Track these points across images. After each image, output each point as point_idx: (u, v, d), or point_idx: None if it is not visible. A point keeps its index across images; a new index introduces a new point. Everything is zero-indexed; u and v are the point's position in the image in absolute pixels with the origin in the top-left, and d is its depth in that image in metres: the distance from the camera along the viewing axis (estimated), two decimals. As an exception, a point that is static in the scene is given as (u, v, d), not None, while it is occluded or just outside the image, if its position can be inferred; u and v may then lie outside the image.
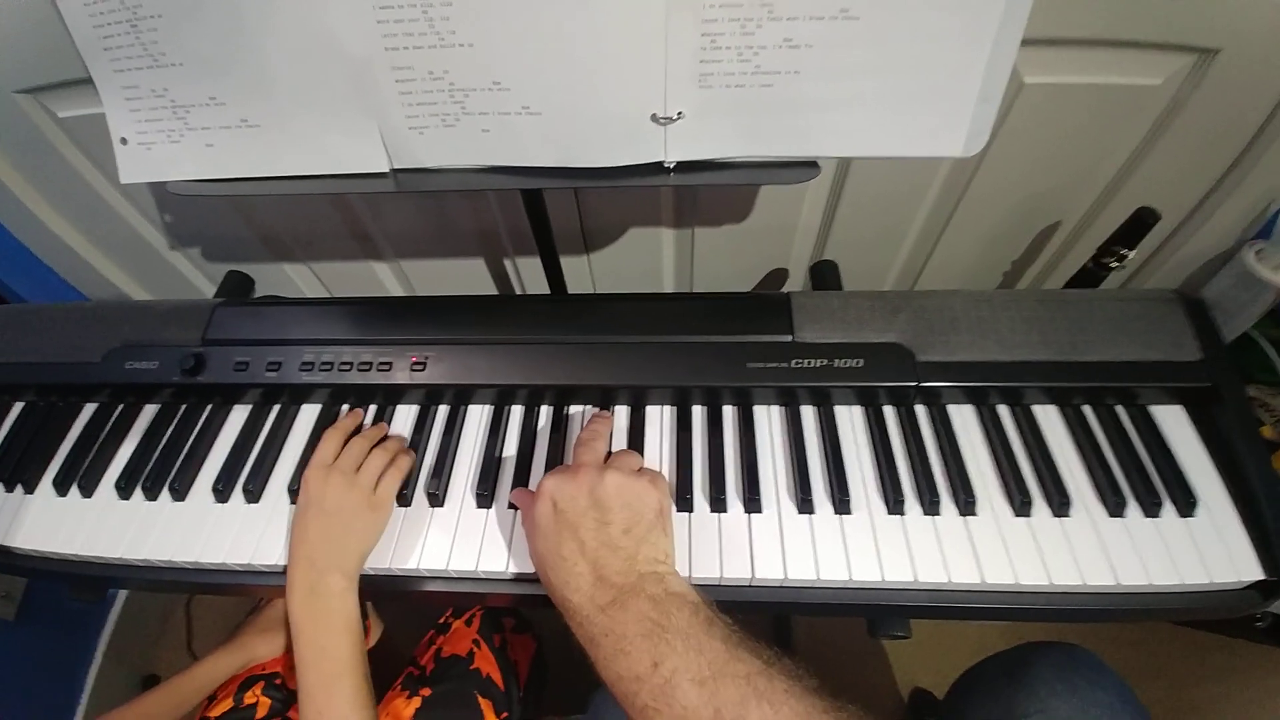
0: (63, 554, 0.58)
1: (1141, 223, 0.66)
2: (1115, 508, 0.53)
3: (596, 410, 0.62)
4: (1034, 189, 0.76)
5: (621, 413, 0.62)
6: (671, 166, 0.50)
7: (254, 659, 0.70)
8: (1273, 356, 0.81)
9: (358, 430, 0.62)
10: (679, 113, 0.47)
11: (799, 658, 0.42)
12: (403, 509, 0.57)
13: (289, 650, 0.72)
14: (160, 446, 0.63)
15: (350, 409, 0.64)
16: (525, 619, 0.78)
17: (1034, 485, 0.54)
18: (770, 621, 1.15)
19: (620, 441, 0.60)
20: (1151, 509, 0.52)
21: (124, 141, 0.54)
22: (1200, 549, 0.51)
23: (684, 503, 0.55)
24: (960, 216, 0.79)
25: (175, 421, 0.65)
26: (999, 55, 0.44)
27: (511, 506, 0.57)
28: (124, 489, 0.60)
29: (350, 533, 0.53)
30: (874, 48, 0.44)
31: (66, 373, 0.66)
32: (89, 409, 0.68)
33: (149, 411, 0.67)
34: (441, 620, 0.76)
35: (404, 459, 0.58)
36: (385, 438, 0.61)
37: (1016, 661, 0.62)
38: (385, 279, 0.98)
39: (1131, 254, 0.69)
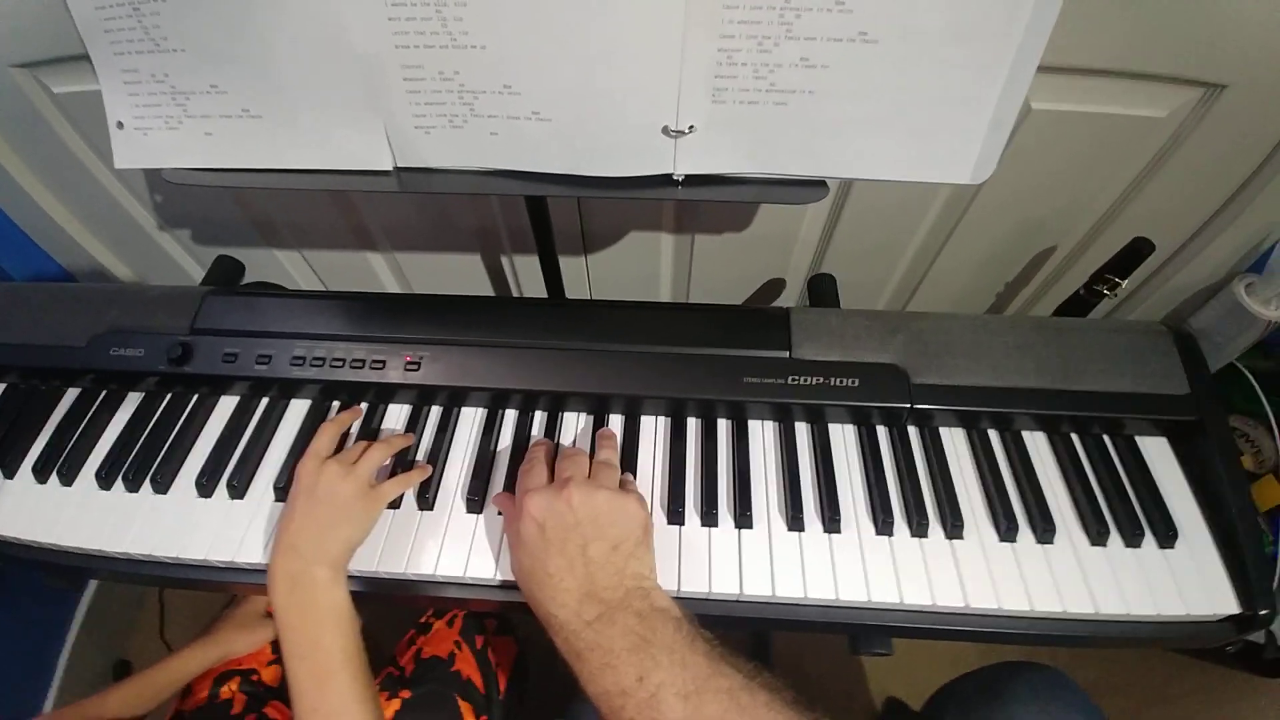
0: (40, 542, 0.57)
1: (1136, 252, 0.67)
2: (1098, 537, 0.53)
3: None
4: (1033, 213, 0.76)
5: (616, 422, 0.62)
6: (680, 180, 0.50)
7: (230, 653, 0.69)
8: (1257, 388, 0.83)
9: (367, 432, 0.61)
10: (690, 126, 0.47)
11: (777, 671, 0.42)
12: (391, 510, 0.56)
13: (267, 645, 0.71)
14: (143, 436, 0.62)
15: (347, 405, 0.64)
16: (508, 621, 0.77)
17: (1020, 512, 0.55)
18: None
19: (613, 450, 0.60)
20: (1133, 539, 0.53)
21: (120, 126, 0.53)
22: (1178, 581, 0.52)
23: (675, 515, 0.55)
24: (959, 236, 0.80)
25: (160, 411, 0.64)
26: (1013, 84, 0.44)
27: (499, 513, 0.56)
28: (105, 479, 0.59)
29: (339, 522, 0.51)
30: (890, 71, 0.44)
31: (50, 356, 0.64)
32: (72, 394, 0.66)
33: (133, 400, 0.65)
34: (422, 620, 0.75)
35: (415, 473, 0.57)
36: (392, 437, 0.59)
37: (992, 681, 0.63)
38: (379, 270, 0.97)
39: (1124, 283, 0.69)
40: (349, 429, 0.61)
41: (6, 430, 0.63)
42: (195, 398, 0.65)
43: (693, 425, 0.61)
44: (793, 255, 0.86)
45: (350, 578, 0.54)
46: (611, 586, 0.45)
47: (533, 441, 0.59)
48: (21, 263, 0.94)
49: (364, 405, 0.63)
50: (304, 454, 0.55)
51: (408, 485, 0.56)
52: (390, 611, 0.98)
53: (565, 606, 0.44)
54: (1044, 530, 0.53)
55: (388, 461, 0.58)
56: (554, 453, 0.57)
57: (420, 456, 0.60)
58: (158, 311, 0.65)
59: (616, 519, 0.48)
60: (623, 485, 0.52)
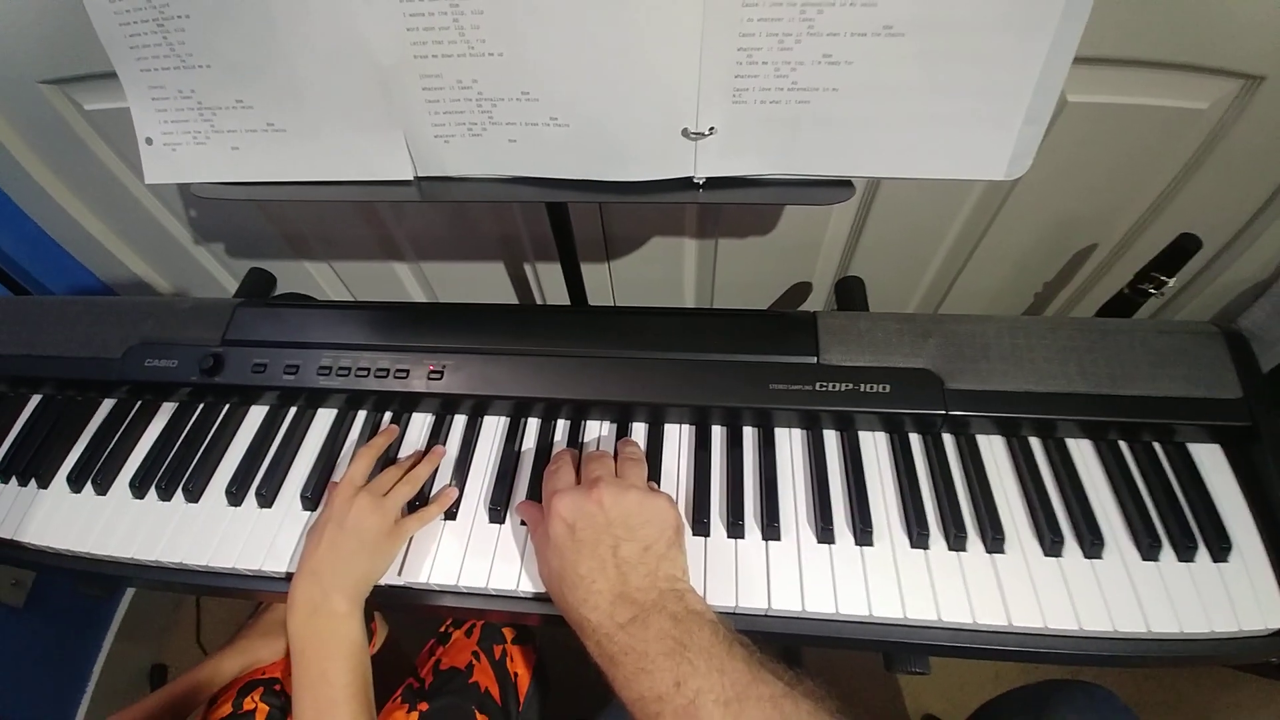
0: (74, 551, 0.58)
1: (1182, 249, 0.64)
2: (1149, 551, 0.50)
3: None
4: (1071, 210, 0.74)
5: (640, 430, 0.61)
6: (701, 183, 0.49)
7: (256, 661, 0.69)
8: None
9: (393, 453, 0.61)
10: (711, 128, 0.46)
11: (819, 679, 0.41)
12: (415, 520, 0.56)
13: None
14: (176, 447, 0.63)
15: (371, 415, 0.64)
16: (528, 630, 0.77)
17: (1065, 524, 0.52)
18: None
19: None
20: (1186, 553, 0.50)
21: (149, 141, 0.54)
22: (1231, 595, 0.49)
23: (700, 526, 0.54)
24: (993, 235, 0.77)
25: (192, 422, 0.65)
26: (1049, 76, 0.42)
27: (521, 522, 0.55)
28: (138, 488, 0.60)
29: (363, 555, 0.51)
30: (918, 66, 0.42)
31: (86, 368, 0.66)
32: (106, 405, 0.68)
33: (166, 410, 0.66)
34: (442, 629, 0.75)
35: (434, 508, 0.56)
36: (416, 463, 0.59)
37: (1036, 700, 0.60)
38: (406, 280, 0.98)
39: (1171, 281, 0.66)
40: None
41: (41, 441, 0.65)
42: (226, 408, 0.65)
43: (718, 433, 0.60)
44: (819, 258, 0.84)
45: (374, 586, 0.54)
46: (644, 588, 0.44)
47: (556, 449, 0.58)
48: (62, 279, 0.97)
49: (397, 427, 0.62)
50: (340, 480, 0.55)
51: (429, 520, 0.56)
52: (415, 622, 0.98)
53: (597, 609, 0.43)
54: (1092, 544, 0.50)
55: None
56: (579, 457, 0.56)
57: (444, 466, 0.60)
58: (191, 323, 0.67)
59: (648, 518, 0.47)
60: (649, 486, 0.52)
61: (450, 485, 0.58)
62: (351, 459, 0.57)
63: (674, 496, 0.56)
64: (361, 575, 0.51)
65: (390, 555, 0.53)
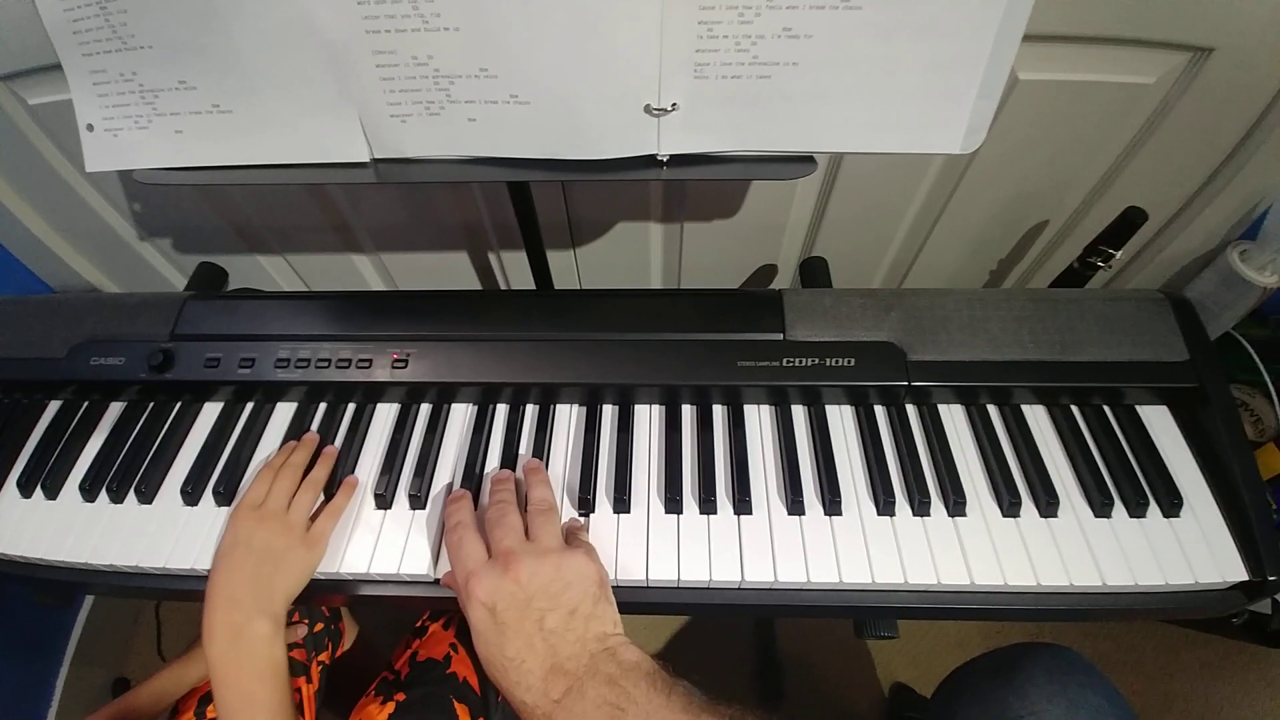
0: (27, 558, 0.55)
1: (1129, 223, 0.66)
2: (1102, 508, 0.52)
3: (495, 473, 0.56)
4: (1024, 186, 0.76)
5: (609, 412, 0.61)
6: (664, 160, 0.49)
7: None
8: (1254, 356, 0.82)
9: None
10: (673, 104, 0.46)
11: (761, 710, 0.41)
12: (383, 511, 0.56)
13: None
14: (126, 447, 0.61)
15: (333, 406, 0.62)
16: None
17: (1022, 486, 0.54)
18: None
19: (609, 441, 0.59)
20: (1137, 510, 0.52)
21: (90, 128, 0.52)
22: (1185, 550, 0.51)
23: (673, 504, 0.54)
24: (950, 214, 0.79)
25: (142, 420, 0.62)
26: (1000, 51, 0.43)
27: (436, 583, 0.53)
28: (88, 491, 0.58)
29: (280, 573, 0.50)
30: (875, 40, 0.43)
31: (29, 369, 0.63)
32: (53, 407, 0.65)
33: (115, 410, 0.64)
34: (418, 624, 0.74)
35: (340, 500, 0.55)
36: (315, 460, 0.58)
37: (1006, 663, 0.62)
38: (365, 272, 0.96)
39: (1118, 254, 0.69)
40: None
41: (-11, 446, 0.61)
42: (178, 405, 0.63)
43: (688, 412, 0.60)
44: (784, 240, 0.85)
45: (341, 582, 0.53)
46: (576, 655, 0.42)
47: (449, 498, 0.54)
48: (3, 283, 0.92)
49: (295, 443, 0.59)
50: (239, 504, 0.54)
51: (339, 515, 0.55)
52: (386, 619, 0.97)
53: (531, 689, 0.41)
54: (1047, 504, 0.52)
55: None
56: (476, 510, 0.53)
57: (410, 455, 0.59)
58: (137, 319, 0.64)
59: (570, 580, 0.45)
60: (569, 534, 0.50)
61: (351, 476, 0.57)
62: (252, 483, 0.55)
63: (646, 475, 0.56)
64: (282, 594, 0.50)
65: (310, 565, 0.52)
